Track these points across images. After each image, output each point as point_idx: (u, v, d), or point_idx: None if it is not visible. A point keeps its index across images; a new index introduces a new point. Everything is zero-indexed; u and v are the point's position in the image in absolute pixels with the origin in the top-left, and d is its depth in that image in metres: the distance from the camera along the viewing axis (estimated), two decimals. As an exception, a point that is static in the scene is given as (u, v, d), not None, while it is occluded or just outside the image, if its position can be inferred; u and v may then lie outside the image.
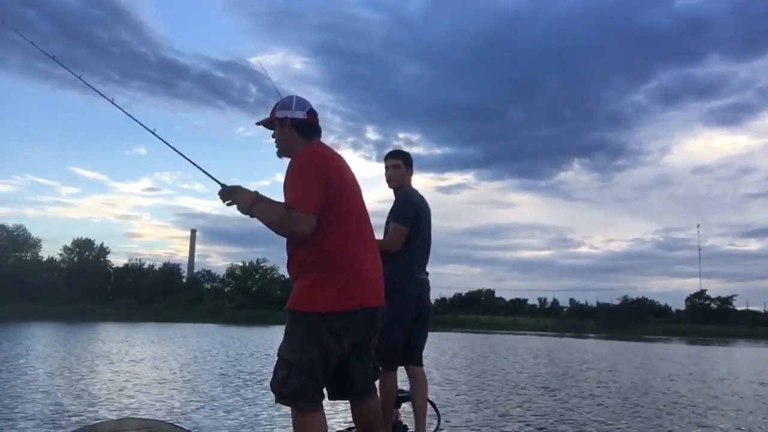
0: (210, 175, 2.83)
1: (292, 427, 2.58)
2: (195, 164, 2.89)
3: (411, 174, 4.19)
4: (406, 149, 4.28)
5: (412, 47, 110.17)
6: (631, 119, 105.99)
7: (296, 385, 2.48)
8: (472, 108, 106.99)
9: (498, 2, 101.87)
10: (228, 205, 2.70)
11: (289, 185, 2.54)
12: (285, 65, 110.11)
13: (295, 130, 2.74)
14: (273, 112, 2.79)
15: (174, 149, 2.94)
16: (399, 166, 4.11)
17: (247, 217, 2.63)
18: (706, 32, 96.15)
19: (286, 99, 2.80)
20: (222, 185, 2.77)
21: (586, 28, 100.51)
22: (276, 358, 2.61)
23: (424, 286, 4.04)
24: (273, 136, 2.82)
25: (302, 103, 2.78)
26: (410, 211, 3.96)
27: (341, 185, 2.63)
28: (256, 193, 2.68)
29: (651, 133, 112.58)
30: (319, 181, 2.53)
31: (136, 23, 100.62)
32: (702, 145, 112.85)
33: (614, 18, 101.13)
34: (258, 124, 2.85)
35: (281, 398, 2.55)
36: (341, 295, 2.51)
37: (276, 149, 2.81)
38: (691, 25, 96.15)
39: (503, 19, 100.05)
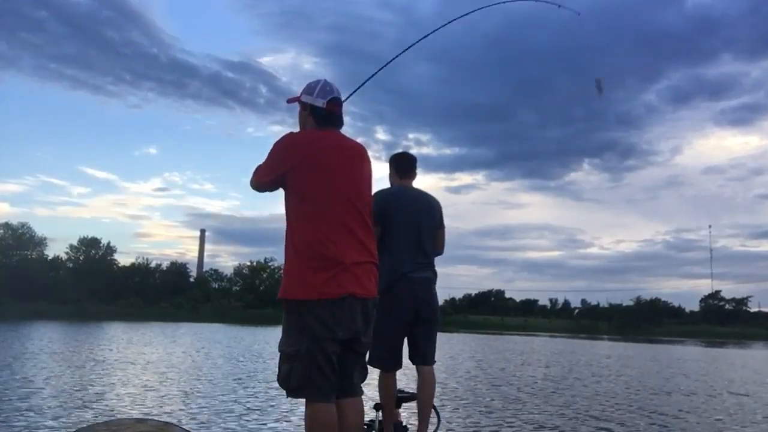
0: None
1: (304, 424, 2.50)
2: None
3: (399, 174, 4.00)
4: (415, 150, 3.72)
5: (423, 48, 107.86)
6: (642, 119, 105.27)
7: (301, 376, 2.49)
8: (483, 108, 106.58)
9: (509, 3, 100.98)
10: None
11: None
12: (295, 65, 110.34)
13: (312, 116, 2.77)
14: (301, 93, 2.85)
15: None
16: None
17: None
18: (717, 32, 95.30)
19: (313, 83, 2.81)
20: None
21: (597, 28, 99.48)
22: (279, 355, 2.61)
23: (421, 284, 3.83)
24: None
25: (325, 91, 2.78)
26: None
27: (319, 175, 2.61)
28: None
29: (662, 134, 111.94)
30: (279, 165, 2.66)
31: (147, 24, 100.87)
32: (713, 145, 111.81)
33: (625, 18, 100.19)
34: (289, 101, 2.90)
35: (290, 391, 2.57)
36: (324, 284, 2.50)
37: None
38: (702, 25, 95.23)
39: (514, 20, 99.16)
